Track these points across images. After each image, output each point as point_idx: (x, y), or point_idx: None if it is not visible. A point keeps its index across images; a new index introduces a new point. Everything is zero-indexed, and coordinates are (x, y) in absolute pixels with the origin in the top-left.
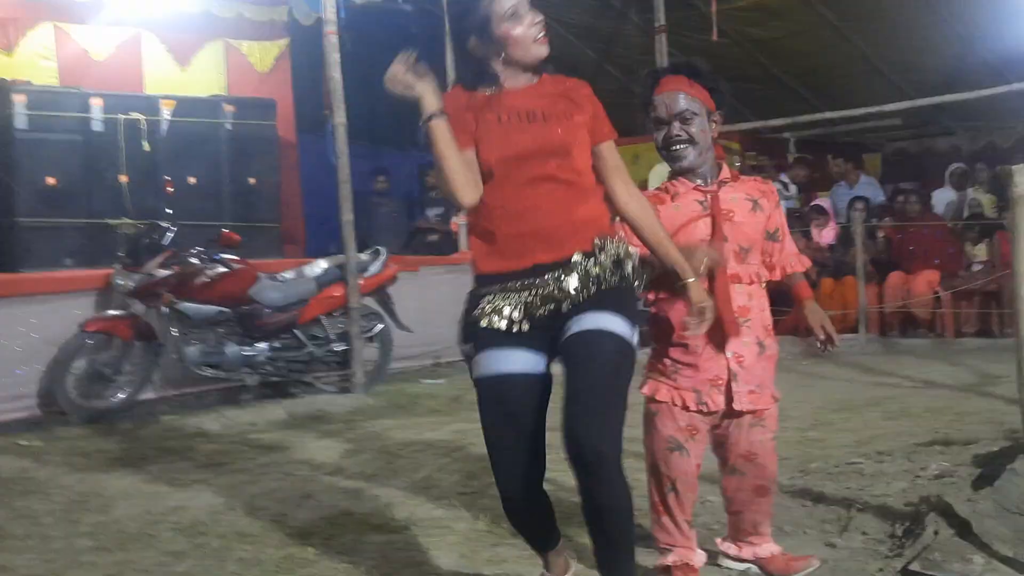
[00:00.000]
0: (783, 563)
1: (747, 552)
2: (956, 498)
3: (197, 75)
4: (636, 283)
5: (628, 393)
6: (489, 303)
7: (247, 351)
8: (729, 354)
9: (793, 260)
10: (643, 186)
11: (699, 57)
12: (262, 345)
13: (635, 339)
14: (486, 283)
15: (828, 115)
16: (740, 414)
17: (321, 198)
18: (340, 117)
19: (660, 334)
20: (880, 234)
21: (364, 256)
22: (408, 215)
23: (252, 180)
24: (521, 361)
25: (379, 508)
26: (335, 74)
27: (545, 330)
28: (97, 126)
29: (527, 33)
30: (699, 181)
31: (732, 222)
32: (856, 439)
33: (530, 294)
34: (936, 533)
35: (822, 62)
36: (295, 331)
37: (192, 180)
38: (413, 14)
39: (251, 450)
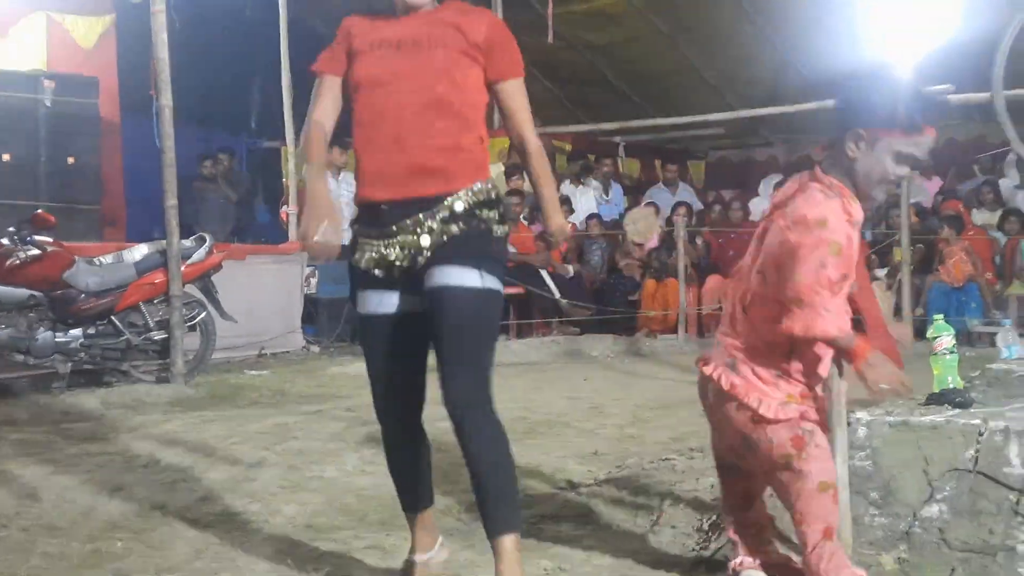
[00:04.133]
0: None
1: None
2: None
3: (15, 48)
4: (499, 227)
5: (493, 342)
6: (360, 244)
7: (60, 337)
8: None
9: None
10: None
11: (533, 59)
12: (76, 331)
13: (495, 283)
14: (361, 215)
15: (657, 121)
16: None
17: (144, 181)
18: (166, 99)
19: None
20: (700, 239)
21: (188, 242)
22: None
23: (71, 159)
24: (385, 303)
25: (194, 501)
26: (162, 54)
27: (406, 273)
28: None
29: None
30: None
31: None
32: (671, 436)
33: (386, 244)
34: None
35: (654, 70)
36: (112, 318)
37: (6, 157)
38: None
39: (62, 440)
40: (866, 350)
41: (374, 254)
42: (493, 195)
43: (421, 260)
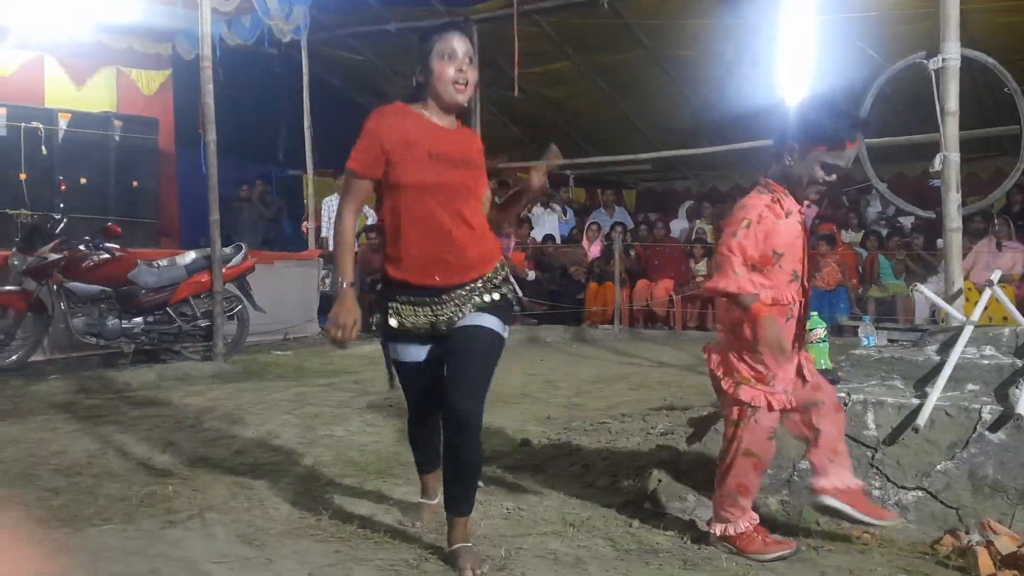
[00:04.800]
0: (870, 507)
1: (838, 482)
2: (675, 450)
3: (91, 94)
4: (511, 298)
5: (493, 370)
6: (395, 309)
7: (125, 324)
8: (803, 357)
9: None
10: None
11: (503, 108)
12: (138, 319)
13: (505, 332)
14: (395, 289)
15: (598, 159)
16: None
17: (194, 201)
18: (211, 135)
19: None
20: (632, 251)
21: (228, 250)
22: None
23: (135, 183)
24: (414, 353)
25: (230, 454)
26: (208, 100)
27: (433, 328)
28: (1, 131)
29: (452, 76)
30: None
31: (808, 246)
32: (607, 404)
33: (431, 311)
34: (660, 480)
35: (596, 119)
36: (167, 309)
37: (83, 181)
38: (277, 57)
39: (125, 405)
40: (762, 312)
41: (420, 319)
42: (505, 272)
43: (457, 321)
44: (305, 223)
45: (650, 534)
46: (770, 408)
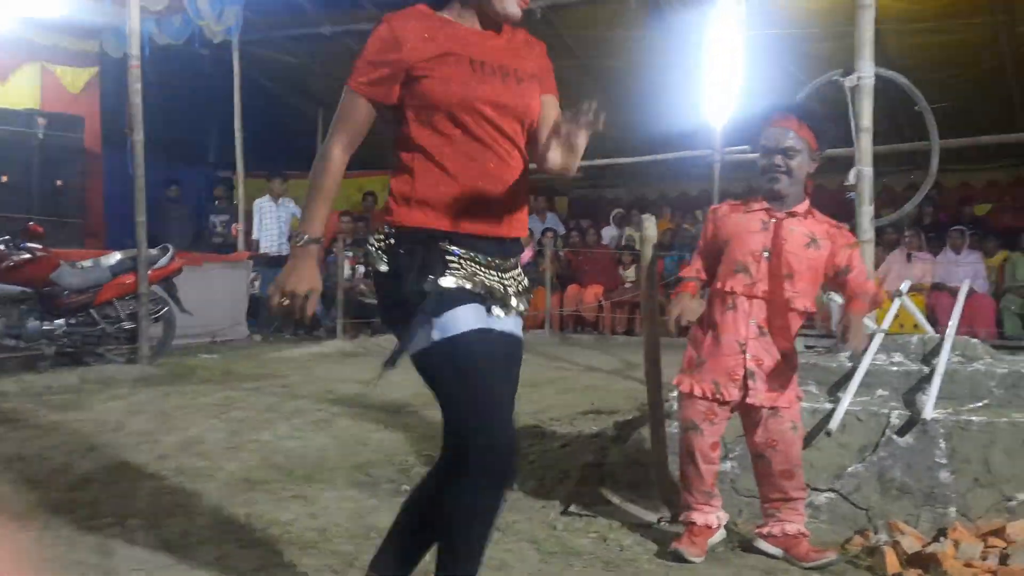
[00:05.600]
0: (805, 551)
1: (776, 529)
2: (601, 453)
3: (14, 90)
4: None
5: None
6: (459, 266)
7: (46, 325)
8: (749, 355)
9: (865, 289)
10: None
11: None
12: (60, 321)
13: None
14: (440, 244)
15: (531, 167)
16: (758, 408)
17: (120, 201)
18: (138, 135)
19: (700, 324)
20: (563, 257)
21: (154, 251)
22: (196, 219)
23: (59, 182)
24: (476, 316)
25: (153, 459)
26: (136, 100)
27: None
28: None
29: None
30: (776, 204)
31: (783, 249)
32: (536, 408)
33: (497, 275)
34: (585, 483)
35: None
36: (91, 311)
37: (4, 179)
38: (209, 57)
39: (45, 409)
40: (680, 291)
41: (484, 280)
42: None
43: (506, 312)
44: (235, 224)
45: (574, 536)
46: (691, 394)
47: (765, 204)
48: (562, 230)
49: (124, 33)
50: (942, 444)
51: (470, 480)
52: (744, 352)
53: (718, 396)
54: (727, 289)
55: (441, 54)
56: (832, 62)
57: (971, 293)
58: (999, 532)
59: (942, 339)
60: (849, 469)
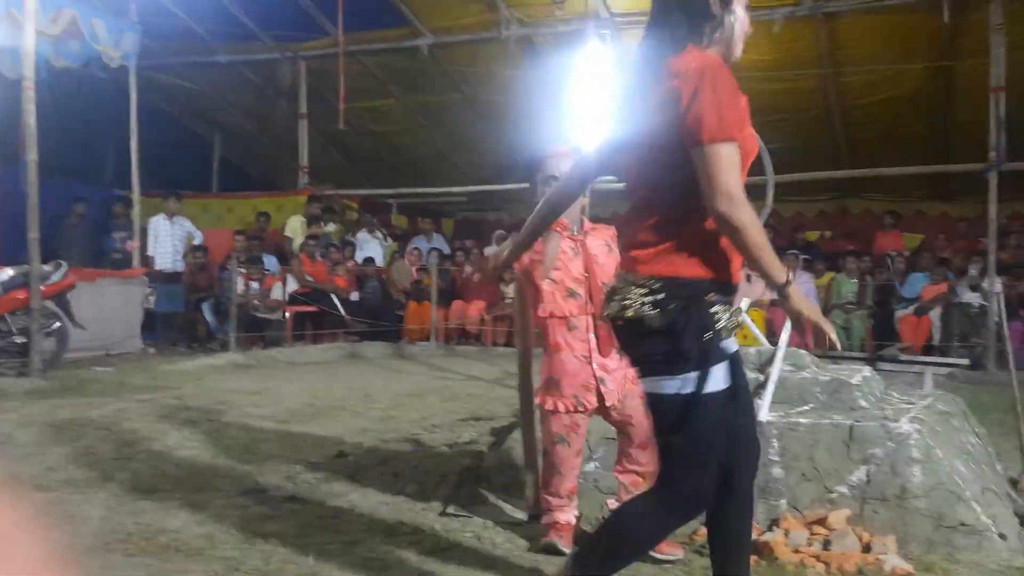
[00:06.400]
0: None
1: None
2: (478, 457)
3: None
4: None
5: None
6: (726, 317)
7: None
8: (595, 365)
9: None
10: (280, 232)
11: (330, 139)
12: None
13: None
14: (721, 292)
15: (419, 190)
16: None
17: (14, 219)
18: (32, 155)
19: (546, 350)
20: (449, 275)
21: (47, 267)
22: (97, 236)
23: None
24: (726, 374)
25: (42, 471)
26: (30, 120)
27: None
28: None
29: (744, 32)
30: (570, 227)
31: (597, 264)
32: (420, 416)
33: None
34: (463, 485)
35: (417, 152)
36: None
37: None
38: (106, 80)
39: None
40: None
41: (734, 319)
42: None
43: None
44: (129, 242)
45: (452, 535)
46: (555, 411)
47: (566, 232)
48: (447, 250)
49: (19, 54)
50: (775, 444)
51: (736, 507)
52: (591, 363)
53: (579, 407)
54: (565, 314)
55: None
56: None
57: None
58: (822, 521)
59: (775, 351)
60: None
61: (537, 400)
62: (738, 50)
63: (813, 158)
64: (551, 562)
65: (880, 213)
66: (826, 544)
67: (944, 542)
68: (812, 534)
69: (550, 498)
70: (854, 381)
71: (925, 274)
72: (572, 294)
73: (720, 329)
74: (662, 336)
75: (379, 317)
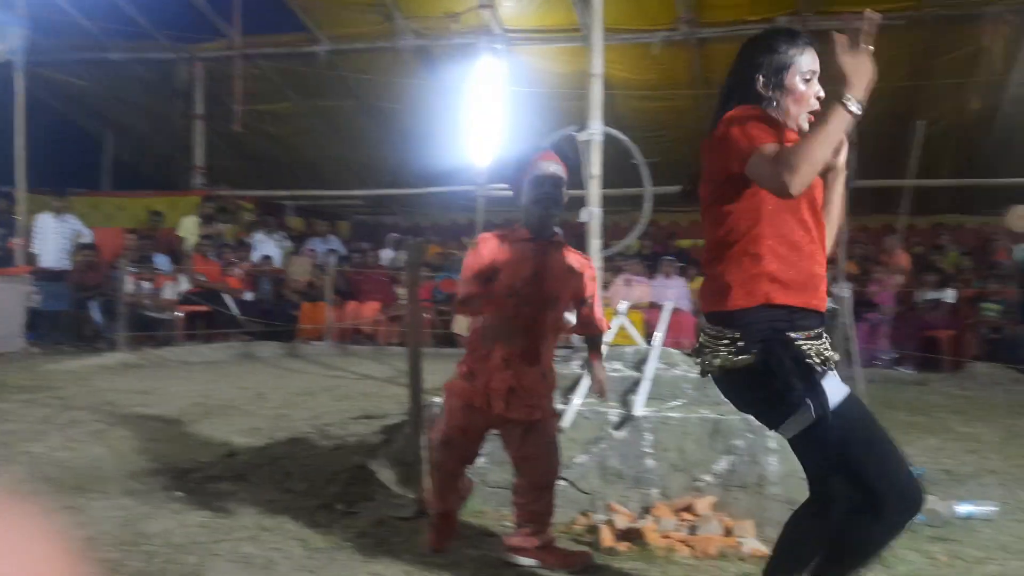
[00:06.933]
0: (561, 557)
1: (528, 542)
2: (369, 454)
3: None
4: None
5: None
6: (812, 344)
7: None
8: (511, 372)
9: (596, 323)
10: (173, 231)
11: (227, 141)
12: None
13: None
14: (792, 319)
15: (315, 192)
16: (515, 422)
17: None
18: None
19: (471, 340)
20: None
21: None
22: None
23: None
24: (838, 384)
25: None
26: None
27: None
28: None
29: (811, 94)
30: (538, 234)
31: (548, 275)
32: (312, 415)
33: (824, 346)
34: (351, 482)
35: (314, 156)
36: None
37: None
38: None
39: None
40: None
41: (826, 353)
42: None
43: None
44: (12, 239)
45: (339, 532)
46: (469, 405)
47: (528, 234)
48: (343, 252)
49: None
50: (649, 436)
51: (887, 521)
52: (509, 368)
53: (485, 408)
54: (497, 313)
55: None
56: (575, 118)
57: (677, 311)
58: (690, 508)
59: (650, 350)
60: (577, 460)
61: (446, 385)
62: (802, 123)
63: (688, 171)
64: (435, 559)
65: None
66: (693, 529)
67: None
68: (680, 520)
69: (439, 498)
70: None
71: None
72: (511, 294)
73: (810, 355)
74: (761, 377)
75: (273, 317)
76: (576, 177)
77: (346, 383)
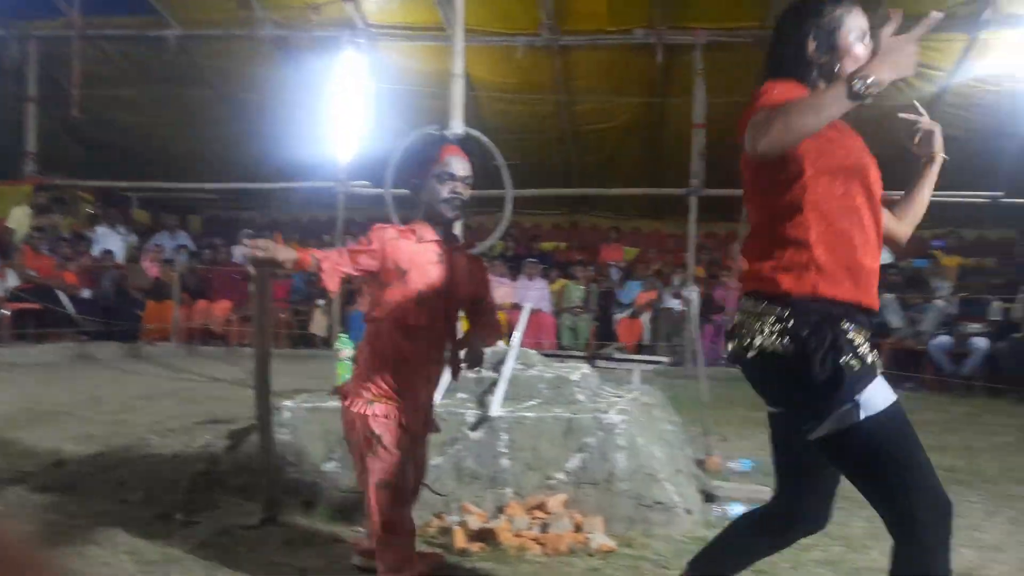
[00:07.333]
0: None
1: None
2: (213, 461)
3: None
4: None
5: None
6: (861, 339)
7: None
8: (432, 384)
9: (495, 327)
10: (2, 222)
11: (64, 127)
12: None
13: None
14: (846, 310)
15: (163, 184)
16: (424, 436)
17: None
18: None
19: (380, 355)
20: (194, 273)
21: None
22: None
23: None
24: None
25: None
26: None
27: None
28: None
29: (866, 53)
30: (442, 234)
31: (458, 280)
32: (153, 420)
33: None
34: (193, 490)
35: (162, 145)
36: None
37: None
38: None
39: None
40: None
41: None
42: None
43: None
44: None
45: (178, 543)
46: (402, 426)
47: (435, 235)
48: (193, 247)
49: None
50: (504, 436)
51: (921, 546)
52: (431, 382)
53: (417, 428)
54: (412, 323)
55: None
56: (437, 117)
57: (537, 312)
58: (542, 506)
59: (508, 351)
60: (432, 462)
61: (365, 411)
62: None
63: (550, 175)
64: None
65: (605, 228)
66: (544, 527)
67: (642, 519)
68: (533, 519)
69: (403, 545)
70: (574, 378)
71: (639, 282)
72: (424, 302)
73: (861, 354)
74: (805, 366)
75: (114, 316)
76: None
77: (193, 386)
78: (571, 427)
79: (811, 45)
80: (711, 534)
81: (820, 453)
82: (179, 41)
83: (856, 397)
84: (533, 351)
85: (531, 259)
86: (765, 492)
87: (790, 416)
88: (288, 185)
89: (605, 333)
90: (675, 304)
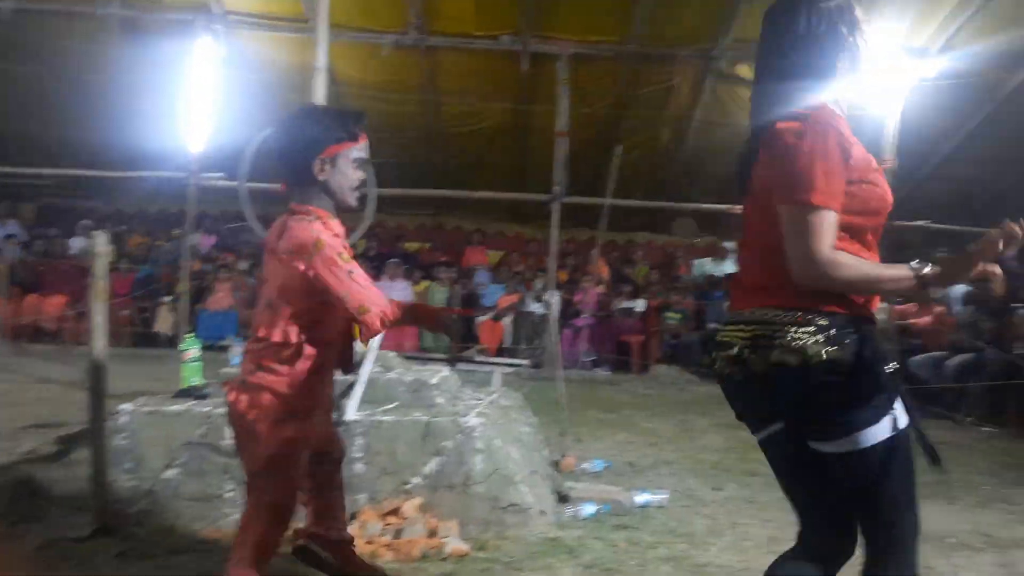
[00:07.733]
0: (351, 558)
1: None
2: (37, 468)
3: None
4: None
5: None
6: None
7: None
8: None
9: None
10: None
11: None
12: None
13: None
14: (872, 325)
15: None
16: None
17: None
18: None
19: (294, 372)
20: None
21: None
22: None
23: None
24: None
25: None
26: None
27: None
28: None
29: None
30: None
31: None
32: None
33: None
34: (17, 498)
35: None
36: None
37: None
38: None
39: None
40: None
41: None
42: None
43: None
44: None
45: None
46: (301, 441)
47: (340, 228)
48: (25, 237)
49: None
50: (359, 441)
51: (906, 563)
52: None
53: (324, 447)
54: (330, 338)
55: (866, 158)
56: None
57: None
58: (397, 511)
59: (366, 353)
60: None
61: (284, 433)
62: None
63: (415, 175)
64: None
65: (469, 230)
66: (398, 533)
67: (497, 521)
68: (386, 524)
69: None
70: (433, 381)
71: (502, 285)
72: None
73: (893, 365)
74: (846, 377)
75: None
76: None
77: (18, 387)
78: (429, 430)
79: (842, 56)
80: (563, 535)
81: (822, 469)
82: (12, 14)
83: (888, 412)
84: (393, 353)
85: (394, 259)
86: (615, 492)
87: (800, 431)
88: (134, 174)
89: (467, 335)
90: (537, 307)
